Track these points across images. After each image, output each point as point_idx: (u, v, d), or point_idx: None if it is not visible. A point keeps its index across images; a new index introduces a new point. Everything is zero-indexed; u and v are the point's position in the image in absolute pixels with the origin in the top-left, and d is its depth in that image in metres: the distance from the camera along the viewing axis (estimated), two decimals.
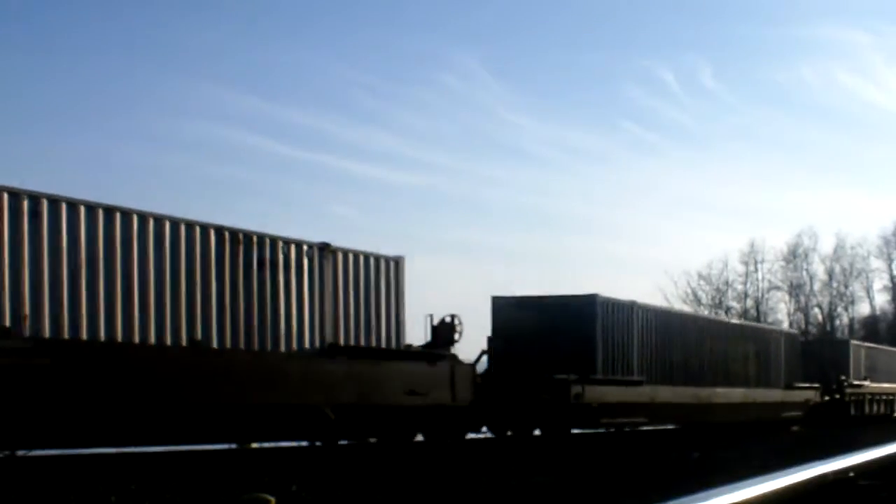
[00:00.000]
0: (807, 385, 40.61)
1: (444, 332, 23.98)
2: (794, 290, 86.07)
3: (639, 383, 28.81)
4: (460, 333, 24.13)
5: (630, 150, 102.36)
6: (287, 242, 19.89)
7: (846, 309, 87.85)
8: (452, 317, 24.16)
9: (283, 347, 19.55)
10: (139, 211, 17.19)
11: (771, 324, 69.07)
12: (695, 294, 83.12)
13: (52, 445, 16.23)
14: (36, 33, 79.78)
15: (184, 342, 17.69)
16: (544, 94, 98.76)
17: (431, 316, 23.99)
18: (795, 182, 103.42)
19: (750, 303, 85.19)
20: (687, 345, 32.17)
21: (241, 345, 18.73)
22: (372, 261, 21.86)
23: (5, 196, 15.21)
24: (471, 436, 25.26)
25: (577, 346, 26.87)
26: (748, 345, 36.89)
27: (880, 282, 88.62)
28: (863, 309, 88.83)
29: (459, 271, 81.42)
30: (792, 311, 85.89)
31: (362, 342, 21.34)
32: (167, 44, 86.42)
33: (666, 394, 30.19)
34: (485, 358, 26.28)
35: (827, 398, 41.74)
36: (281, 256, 19.62)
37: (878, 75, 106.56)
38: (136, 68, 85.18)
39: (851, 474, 10.28)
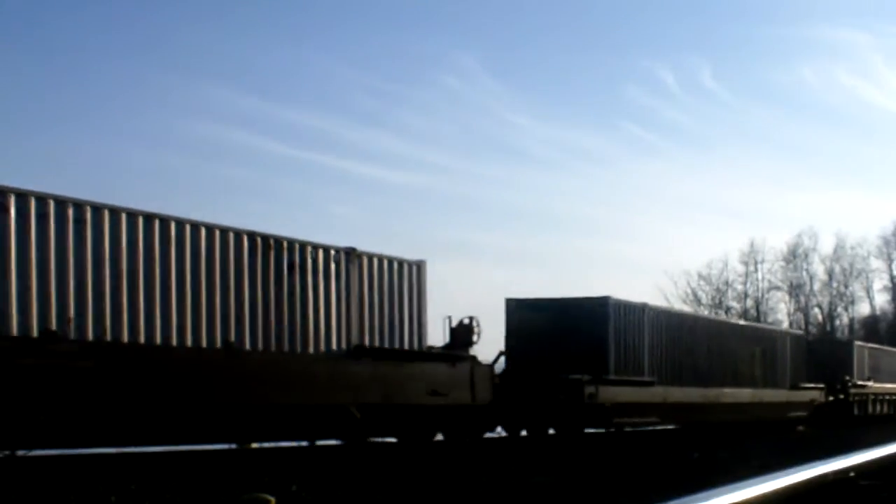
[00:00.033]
0: (812, 385, 40.96)
1: (462, 334, 24.39)
2: (794, 290, 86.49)
3: (650, 384, 29.24)
4: (478, 335, 24.54)
5: (630, 151, 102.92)
6: (315, 247, 20.39)
7: (846, 309, 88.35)
8: (471, 318, 24.54)
9: (311, 349, 20.04)
10: (177, 218, 17.72)
11: (772, 324, 69.45)
12: (695, 294, 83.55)
13: (93, 445, 16.74)
14: (36, 33, 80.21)
15: (218, 344, 18.23)
16: (544, 94, 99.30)
17: (450, 318, 24.37)
18: (795, 182, 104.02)
19: (750, 303, 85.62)
20: (696, 346, 32.58)
21: (272, 347, 19.24)
22: (395, 265, 22.39)
23: (51, 203, 15.75)
24: (485, 435, 25.72)
25: (590, 347, 27.25)
26: (755, 346, 37.28)
27: (880, 282, 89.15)
28: (863, 309, 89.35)
29: (459, 271, 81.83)
30: (792, 311, 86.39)
31: (386, 344, 21.85)
32: (167, 44, 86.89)
33: (677, 394, 30.60)
34: (502, 359, 26.78)
35: (831, 398, 42.10)
36: (309, 261, 20.14)
37: (878, 75, 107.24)
38: (135, 68, 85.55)
39: (852, 474, 10.51)
